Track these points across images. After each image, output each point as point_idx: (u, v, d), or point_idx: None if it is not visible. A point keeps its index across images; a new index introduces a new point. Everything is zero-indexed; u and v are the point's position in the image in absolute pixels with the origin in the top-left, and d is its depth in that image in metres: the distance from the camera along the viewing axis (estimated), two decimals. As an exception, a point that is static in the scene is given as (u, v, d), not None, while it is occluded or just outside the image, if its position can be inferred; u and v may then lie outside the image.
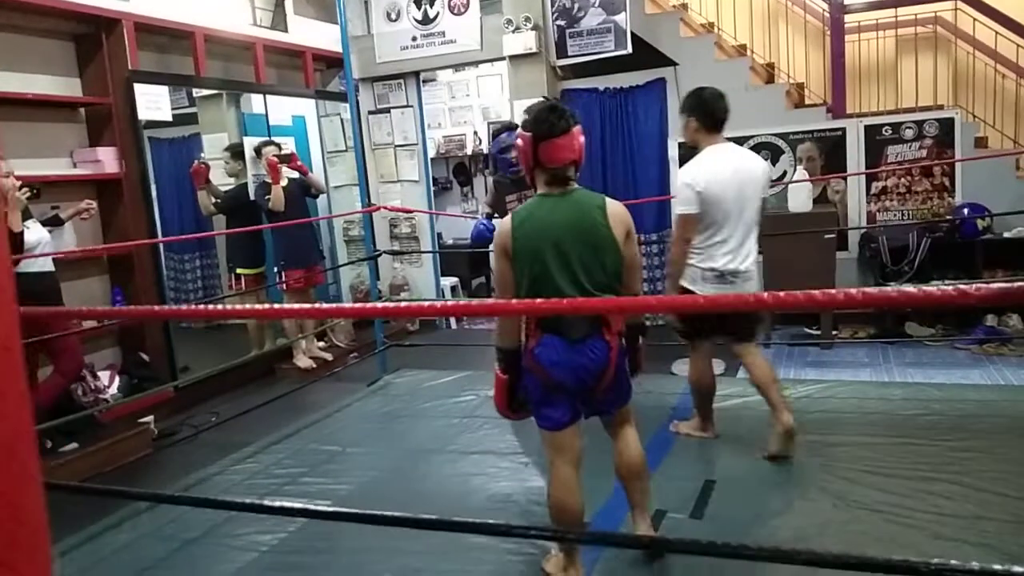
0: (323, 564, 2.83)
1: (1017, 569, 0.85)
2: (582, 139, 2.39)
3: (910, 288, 0.94)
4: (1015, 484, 2.97)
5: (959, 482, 3.03)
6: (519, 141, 2.43)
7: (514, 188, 4.22)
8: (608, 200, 2.43)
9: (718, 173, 3.25)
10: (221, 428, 4.51)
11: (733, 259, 3.31)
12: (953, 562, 0.93)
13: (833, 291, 0.92)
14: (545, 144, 2.33)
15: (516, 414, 2.59)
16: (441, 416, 4.38)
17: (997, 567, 0.87)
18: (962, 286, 0.87)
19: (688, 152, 6.32)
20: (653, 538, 2.58)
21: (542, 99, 2.51)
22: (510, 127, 4.28)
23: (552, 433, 2.44)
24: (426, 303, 1.48)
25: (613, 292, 2.39)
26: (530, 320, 2.40)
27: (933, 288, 0.91)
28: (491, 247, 4.35)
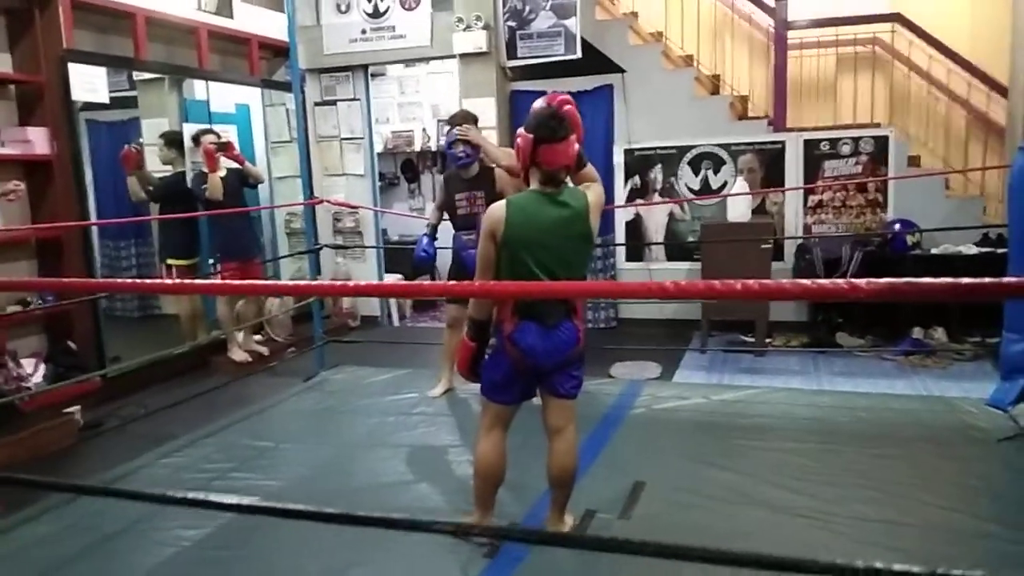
0: (247, 559, 2.78)
1: (898, 567, 0.88)
2: (576, 147, 2.59)
3: (804, 281, 0.96)
4: (933, 491, 3.08)
5: (881, 489, 3.12)
6: (519, 140, 2.56)
7: (464, 187, 4.20)
8: (589, 193, 2.63)
9: None
10: (150, 420, 4.39)
11: None
12: (838, 560, 0.96)
13: (732, 281, 0.94)
14: (545, 147, 2.51)
15: (478, 377, 2.77)
16: (378, 413, 4.34)
17: (878, 564, 0.90)
18: (854, 280, 0.90)
19: (632, 160, 6.42)
20: (567, 535, 2.66)
21: (544, 106, 2.67)
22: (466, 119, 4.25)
23: (499, 407, 2.71)
24: (369, 283, 1.46)
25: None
26: (506, 306, 2.59)
27: (826, 281, 0.93)
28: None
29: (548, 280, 2.51)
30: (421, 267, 4.45)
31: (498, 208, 2.59)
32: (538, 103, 2.72)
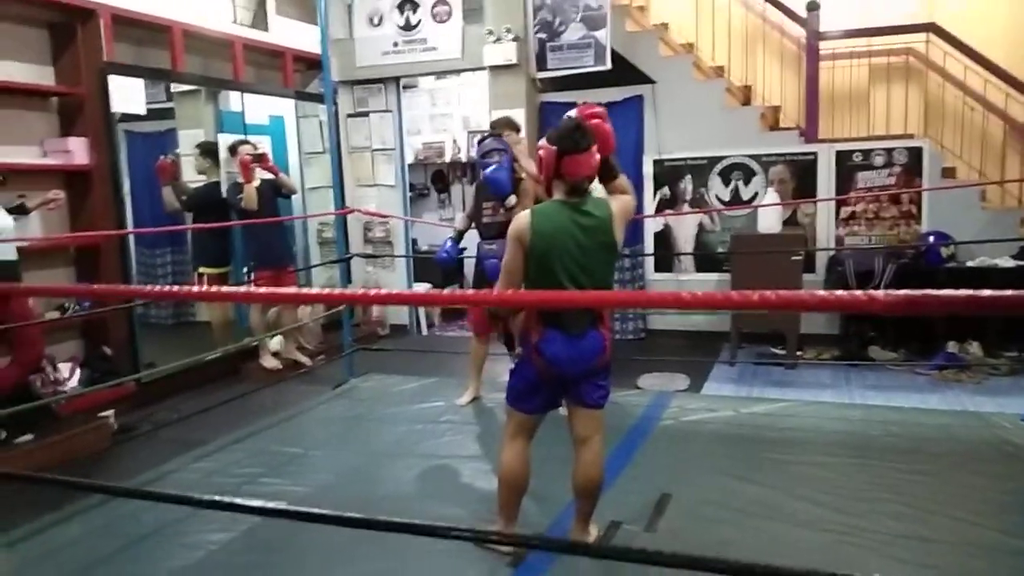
0: (273, 564, 2.81)
1: None
2: (598, 157, 2.59)
3: (822, 292, 0.96)
4: (964, 508, 3.02)
5: (912, 504, 3.07)
6: (542, 153, 2.58)
7: (493, 195, 4.25)
8: (612, 201, 2.65)
9: None
10: (182, 425, 4.47)
11: None
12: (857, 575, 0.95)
13: (749, 292, 0.94)
14: (568, 159, 2.52)
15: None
16: (406, 421, 4.37)
17: None
18: (872, 292, 0.89)
19: (662, 171, 6.41)
20: (588, 546, 2.64)
21: (567, 117, 2.66)
22: (494, 134, 4.31)
23: (524, 416, 2.73)
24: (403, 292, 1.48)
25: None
26: (532, 315, 2.63)
27: (844, 293, 0.93)
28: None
29: (574, 289, 2.53)
30: (442, 267, 4.47)
31: (524, 216, 2.61)
32: (569, 114, 2.70)
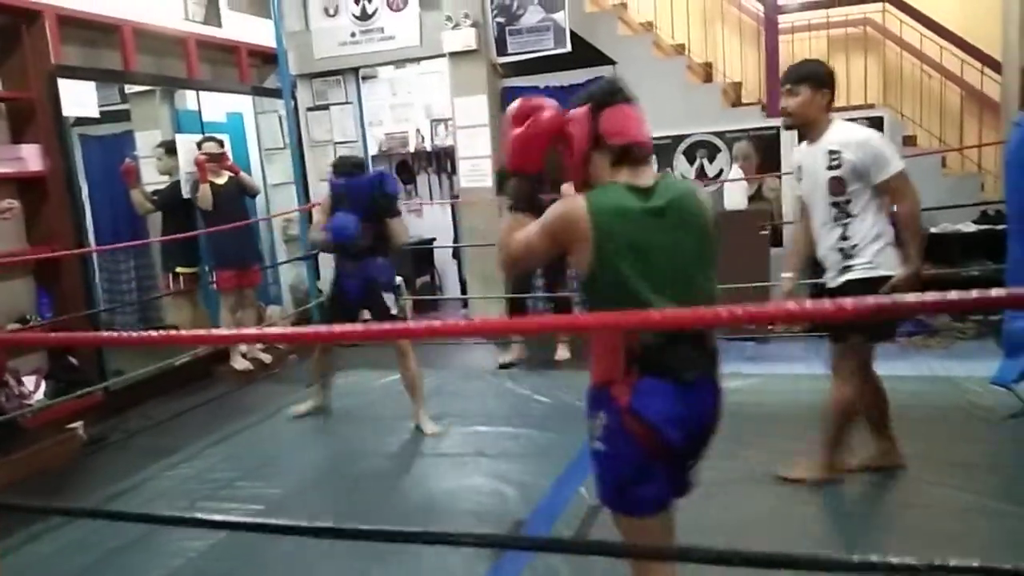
0: (254, 569, 2.77)
1: (937, 561, 0.88)
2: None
3: (789, 304, 0.97)
4: (939, 471, 3.07)
5: (888, 470, 3.11)
6: (574, 129, 1.75)
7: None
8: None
9: None
10: (154, 432, 4.41)
11: None
12: (873, 557, 0.96)
13: (717, 309, 0.93)
14: (613, 110, 1.72)
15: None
16: (382, 418, 4.34)
17: (913, 561, 0.90)
18: (841, 300, 0.90)
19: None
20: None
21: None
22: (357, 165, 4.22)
23: (647, 520, 1.76)
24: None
25: None
26: (612, 354, 1.70)
27: (811, 304, 0.94)
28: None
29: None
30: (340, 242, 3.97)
31: (577, 201, 1.70)
32: (514, 105, 1.86)
